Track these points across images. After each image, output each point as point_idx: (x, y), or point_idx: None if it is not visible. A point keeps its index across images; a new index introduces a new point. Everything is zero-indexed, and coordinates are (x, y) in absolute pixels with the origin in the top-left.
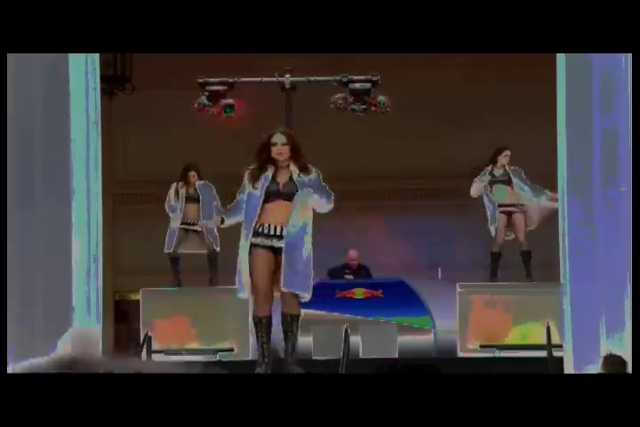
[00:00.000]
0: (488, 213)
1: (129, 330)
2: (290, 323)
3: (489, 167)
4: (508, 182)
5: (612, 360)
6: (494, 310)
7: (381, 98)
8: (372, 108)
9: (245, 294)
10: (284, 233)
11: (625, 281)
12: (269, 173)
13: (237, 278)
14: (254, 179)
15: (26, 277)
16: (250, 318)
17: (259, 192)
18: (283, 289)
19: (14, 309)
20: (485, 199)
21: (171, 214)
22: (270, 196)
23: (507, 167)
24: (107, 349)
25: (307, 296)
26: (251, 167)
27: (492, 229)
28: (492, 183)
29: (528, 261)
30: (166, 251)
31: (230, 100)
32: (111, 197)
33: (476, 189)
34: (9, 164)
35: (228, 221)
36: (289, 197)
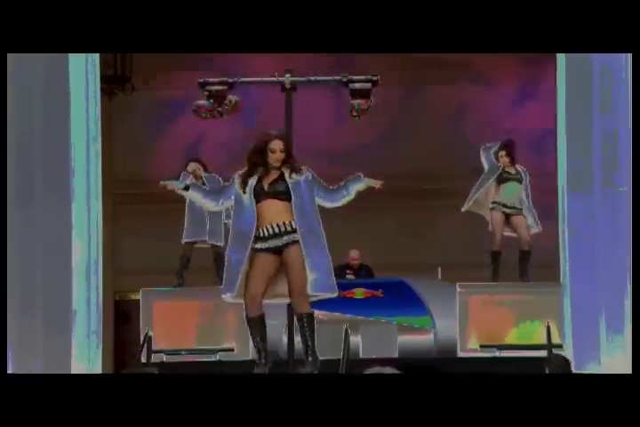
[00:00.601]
0: (477, 202)
1: (129, 330)
2: (303, 323)
3: (500, 164)
4: (521, 182)
5: (557, 361)
6: (494, 310)
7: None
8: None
9: (234, 296)
10: (298, 235)
11: (625, 281)
12: (257, 175)
13: (227, 280)
14: (244, 183)
15: (26, 277)
16: None
17: (248, 197)
18: (311, 292)
19: (14, 309)
20: (484, 190)
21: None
22: (257, 197)
23: (519, 167)
24: (107, 349)
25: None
26: (241, 172)
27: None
28: (505, 180)
29: (527, 261)
30: (189, 240)
31: (203, 102)
32: (111, 197)
33: (485, 158)
34: (9, 164)
35: (191, 193)
36: (275, 195)
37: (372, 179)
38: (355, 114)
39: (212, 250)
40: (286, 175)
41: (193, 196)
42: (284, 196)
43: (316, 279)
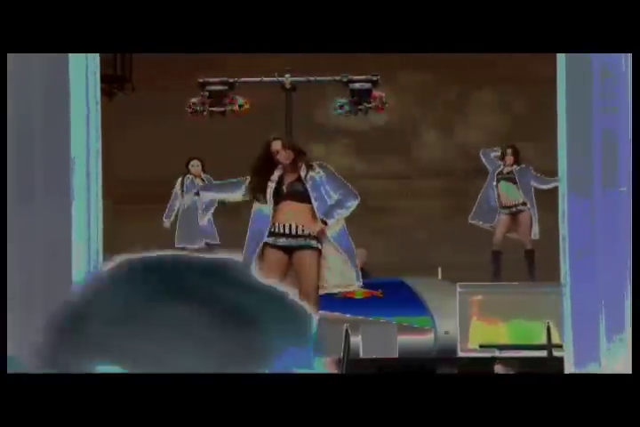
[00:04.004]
0: (482, 208)
1: None
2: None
3: (501, 162)
4: (514, 181)
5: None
6: (494, 310)
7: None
8: (372, 103)
9: None
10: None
11: (625, 281)
12: (274, 178)
13: None
14: (259, 187)
15: (26, 277)
16: None
17: (268, 203)
18: (357, 284)
19: (14, 309)
20: (486, 194)
21: (170, 211)
22: (277, 199)
23: (514, 167)
24: None
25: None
26: (250, 184)
27: (483, 225)
28: (498, 180)
29: (532, 261)
30: (185, 246)
31: (240, 98)
32: (111, 197)
33: (486, 159)
34: (9, 164)
35: (203, 194)
36: (294, 196)
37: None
38: (380, 105)
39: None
40: (302, 176)
41: (208, 196)
42: (302, 196)
43: (357, 274)
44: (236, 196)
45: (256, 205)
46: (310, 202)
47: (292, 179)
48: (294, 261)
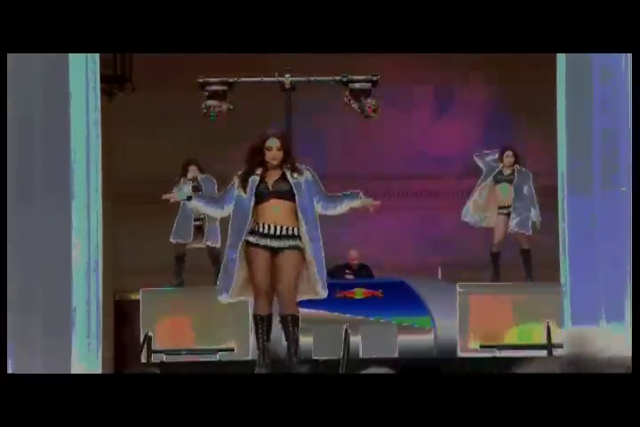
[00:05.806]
0: (477, 206)
1: (129, 330)
2: (290, 324)
3: (499, 164)
4: (512, 182)
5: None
6: (494, 310)
7: (373, 101)
8: (367, 109)
9: (229, 297)
10: (304, 236)
11: (625, 281)
12: (258, 175)
13: (223, 280)
14: (243, 183)
15: (26, 277)
16: (250, 318)
17: (248, 196)
18: (323, 294)
19: (14, 309)
20: (481, 193)
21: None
22: (262, 196)
23: (516, 167)
24: (107, 349)
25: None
26: (240, 172)
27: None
28: (497, 181)
29: (528, 261)
30: (178, 241)
31: (214, 102)
32: (111, 197)
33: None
34: (9, 164)
35: (194, 203)
36: (280, 195)
37: (369, 199)
38: (371, 113)
39: (206, 250)
40: (288, 175)
41: (196, 206)
42: (288, 195)
43: (322, 284)
44: (216, 213)
45: (237, 205)
46: (295, 201)
47: (276, 177)
48: (278, 261)
